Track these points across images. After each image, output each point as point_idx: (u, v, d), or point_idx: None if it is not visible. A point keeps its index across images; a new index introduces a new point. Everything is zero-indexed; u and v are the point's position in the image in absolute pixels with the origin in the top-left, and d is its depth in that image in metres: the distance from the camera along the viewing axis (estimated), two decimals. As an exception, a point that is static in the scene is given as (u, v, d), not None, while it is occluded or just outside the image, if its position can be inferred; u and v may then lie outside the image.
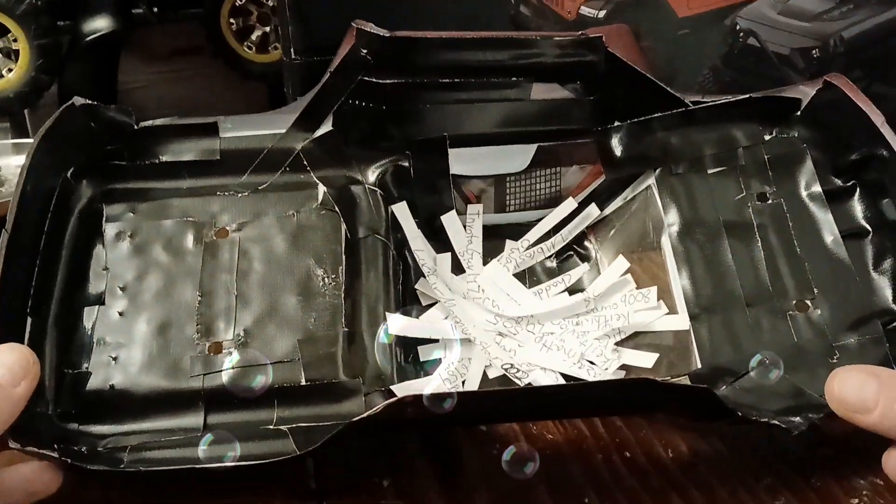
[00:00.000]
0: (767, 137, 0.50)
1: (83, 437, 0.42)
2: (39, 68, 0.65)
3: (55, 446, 0.39)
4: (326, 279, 0.47)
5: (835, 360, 0.45)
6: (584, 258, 0.53)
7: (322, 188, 0.49)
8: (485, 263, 0.52)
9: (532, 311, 0.50)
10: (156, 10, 0.70)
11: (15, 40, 0.64)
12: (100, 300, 0.45)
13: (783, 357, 0.45)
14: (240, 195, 0.49)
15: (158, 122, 0.48)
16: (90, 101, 0.46)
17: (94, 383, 0.43)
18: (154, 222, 0.47)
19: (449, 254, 0.52)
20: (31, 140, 0.48)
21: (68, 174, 0.46)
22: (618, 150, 0.51)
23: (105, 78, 0.70)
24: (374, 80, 0.48)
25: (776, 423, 0.40)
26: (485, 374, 0.48)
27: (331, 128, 0.49)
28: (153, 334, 0.45)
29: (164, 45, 0.74)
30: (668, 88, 0.49)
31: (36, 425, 0.40)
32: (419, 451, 0.46)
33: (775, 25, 0.57)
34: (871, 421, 0.38)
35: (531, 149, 0.52)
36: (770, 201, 0.49)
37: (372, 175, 0.51)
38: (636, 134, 0.50)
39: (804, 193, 0.49)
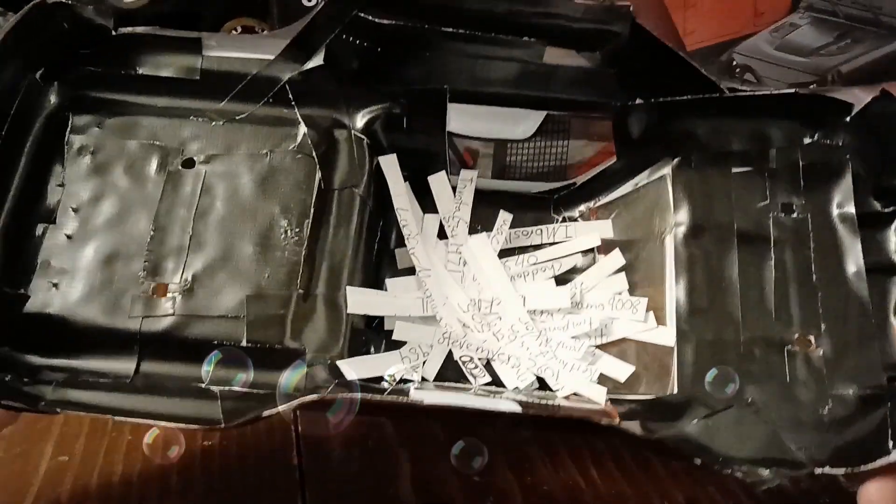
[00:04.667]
0: (807, 141, 0.45)
1: (10, 364, 0.40)
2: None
3: None
4: (289, 232, 0.44)
5: (825, 412, 0.39)
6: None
7: (303, 128, 0.46)
8: (472, 232, 0.48)
9: (512, 297, 0.46)
10: (154, 34, 0.70)
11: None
12: (50, 218, 0.43)
13: (770, 397, 0.40)
14: (213, 123, 0.46)
15: (139, 29, 0.45)
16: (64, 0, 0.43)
17: (30, 308, 0.41)
18: (119, 141, 0.45)
19: (438, 215, 0.48)
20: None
21: (37, 75, 0.44)
22: (636, 131, 0.46)
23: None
24: (370, 17, 0.44)
25: (739, 475, 0.36)
26: (449, 354, 0.45)
27: (321, 62, 0.45)
28: (98, 265, 0.43)
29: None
30: (702, 70, 0.43)
31: None
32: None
33: (772, 61, 0.57)
34: None
35: (539, 116, 0.48)
36: (795, 215, 0.44)
37: (361, 120, 0.47)
38: (659, 115, 0.45)
39: (835, 211, 0.43)
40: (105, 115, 0.45)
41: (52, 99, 0.45)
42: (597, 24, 0.43)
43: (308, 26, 0.45)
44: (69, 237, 0.43)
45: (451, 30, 0.44)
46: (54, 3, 0.43)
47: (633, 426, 0.38)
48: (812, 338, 0.41)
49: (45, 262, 0.42)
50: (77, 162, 0.44)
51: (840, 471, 0.36)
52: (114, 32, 0.44)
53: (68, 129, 0.45)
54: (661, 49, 0.43)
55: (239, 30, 0.69)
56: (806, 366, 0.41)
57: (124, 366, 0.41)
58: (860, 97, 0.42)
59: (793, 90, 0.44)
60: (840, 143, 0.44)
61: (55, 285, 0.42)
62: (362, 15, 0.44)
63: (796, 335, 0.41)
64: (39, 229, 0.43)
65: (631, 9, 0.42)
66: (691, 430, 0.39)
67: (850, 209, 0.43)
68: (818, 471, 0.36)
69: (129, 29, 0.45)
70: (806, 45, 0.56)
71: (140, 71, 0.45)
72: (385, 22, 0.44)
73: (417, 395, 0.39)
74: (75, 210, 0.43)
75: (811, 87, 0.55)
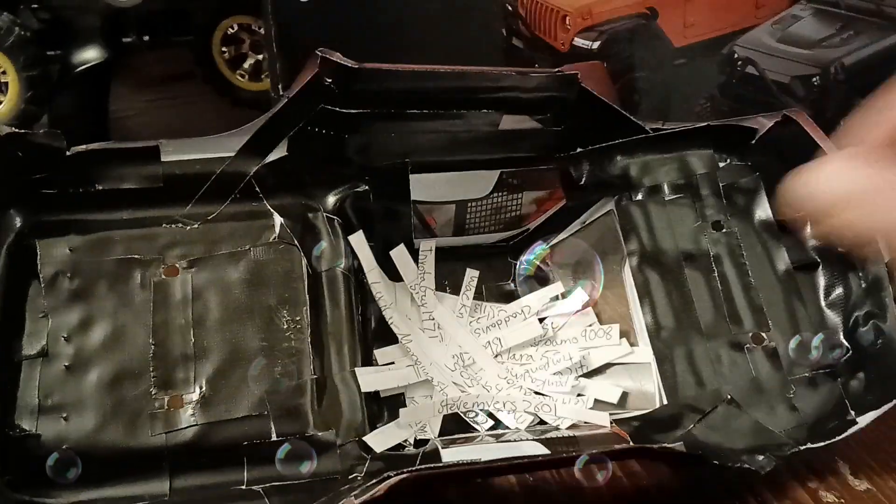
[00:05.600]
0: (722, 165, 0.50)
1: None
2: (29, 100, 0.63)
3: None
4: (290, 322, 0.44)
5: (791, 395, 0.45)
6: (543, 281, 0.52)
7: (279, 219, 0.46)
8: (440, 289, 0.50)
9: (484, 356, 0.48)
10: (146, 38, 0.68)
11: (3, 72, 0.63)
12: (42, 352, 0.42)
13: (743, 393, 0.45)
14: (188, 227, 0.45)
15: (93, 146, 0.43)
16: (16, 130, 0.42)
17: (45, 446, 0.40)
18: (95, 260, 0.43)
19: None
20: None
21: None
22: (580, 177, 0.51)
23: (96, 107, 0.68)
24: (336, 108, 0.45)
25: (746, 466, 0.40)
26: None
27: (285, 153, 0.46)
28: (105, 389, 0.41)
29: (156, 72, 0.73)
30: (632, 117, 0.48)
31: None
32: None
33: (774, 53, 0.56)
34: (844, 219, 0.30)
35: (494, 175, 0.51)
36: (725, 230, 0.49)
37: (330, 201, 0.48)
38: (598, 160, 0.50)
39: (757, 222, 0.49)
40: (73, 235, 0.44)
41: (12, 229, 0.43)
42: (549, 92, 0.47)
43: (270, 122, 0.45)
44: (67, 367, 0.42)
45: (416, 111, 0.47)
46: (7, 134, 0.41)
47: (647, 443, 0.42)
48: (764, 334, 0.47)
49: (48, 397, 0.41)
50: (55, 288, 0.43)
51: (819, 444, 0.42)
52: (68, 153, 0.42)
53: (38, 257, 0.43)
54: (602, 105, 0.48)
55: (235, 28, 0.68)
56: (765, 359, 0.46)
57: (158, 486, 0.40)
58: (763, 122, 0.49)
59: (705, 123, 0.50)
60: (749, 164, 0.50)
61: (65, 419, 0.41)
62: (328, 107, 0.45)
63: (750, 334, 0.47)
64: (32, 365, 0.41)
65: (578, 76, 0.47)
66: (691, 434, 0.43)
67: (769, 218, 0.49)
68: (801, 448, 0.42)
69: (83, 147, 0.43)
70: (808, 37, 0.55)
71: (100, 187, 0.44)
72: (353, 112, 0.46)
73: (449, 456, 0.40)
74: (66, 339, 0.42)
75: (815, 79, 0.56)
